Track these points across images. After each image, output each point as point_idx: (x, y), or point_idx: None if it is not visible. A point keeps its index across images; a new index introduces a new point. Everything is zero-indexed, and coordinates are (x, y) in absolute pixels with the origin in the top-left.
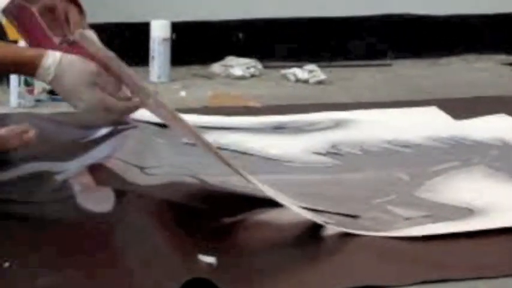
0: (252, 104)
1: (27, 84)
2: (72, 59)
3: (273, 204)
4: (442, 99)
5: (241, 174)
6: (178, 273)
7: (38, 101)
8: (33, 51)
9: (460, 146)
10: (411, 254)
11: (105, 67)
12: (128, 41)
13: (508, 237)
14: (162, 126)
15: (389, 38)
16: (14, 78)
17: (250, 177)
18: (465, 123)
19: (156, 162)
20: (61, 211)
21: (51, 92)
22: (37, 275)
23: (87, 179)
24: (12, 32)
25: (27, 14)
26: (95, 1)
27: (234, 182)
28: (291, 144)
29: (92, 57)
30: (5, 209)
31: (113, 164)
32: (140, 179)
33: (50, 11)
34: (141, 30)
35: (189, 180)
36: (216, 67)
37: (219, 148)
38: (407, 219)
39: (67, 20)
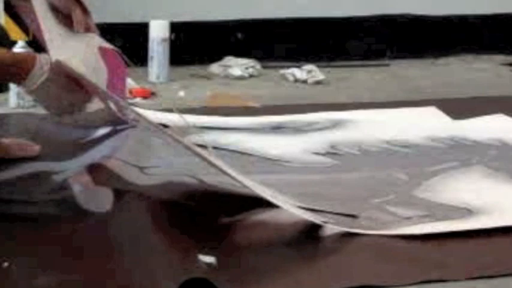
0: (250, 104)
1: None
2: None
3: (271, 204)
4: (441, 100)
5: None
6: (177, 273)
7: (36, 101)
8: (23, 56)
9: (459, 146)
10: (410, 254)
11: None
12: (127, 41)
13: (507, 237)
14: (164, 126)
15: (387, 38)
16: None
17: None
18: (464, 123)
19: (155, 162)
20: (60, 211)
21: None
22: (36, 275)
23: (86, 179)
24: (13, 32)
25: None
26: (94, 1)
27: (233, 182)
28: (290, 144)
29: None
30: (4, 209)
31: (112, 164)
32: (139, 179)
33: (52, 10)
34: (140, 31)
35: (187, 180)
36: (215, 67)
37: (218, 148)
38: (406, 219)
39: (71, 19)
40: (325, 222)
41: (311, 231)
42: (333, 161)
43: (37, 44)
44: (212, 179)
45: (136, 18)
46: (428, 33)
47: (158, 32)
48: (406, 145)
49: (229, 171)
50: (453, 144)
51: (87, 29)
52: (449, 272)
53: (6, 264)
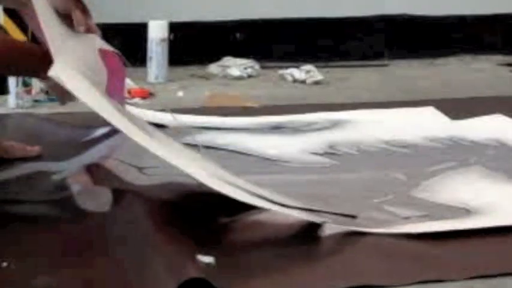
0: (249, 104)
1: (25, 85)
2: None
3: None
4: (439, 100)
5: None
6: (176, 273)
7: (35, 101)
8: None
9: (457, 146)
10: (408, 254)
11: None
12: (126, 41)
13: (505, 237)
14: (160, 126)
15: (386, 38)
16: (12, 79)
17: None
18: (462, 123)
19: (154, 163)
20: (59, 211)
21: (49, 93)
22: (35, 275)
23: (85, 178)
24: (13, 32)
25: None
26: (93, 1)
27: (232, 182)
28: (289, 144)
29: None
30: (3, 209)
31: (111, 164)
32: (138, 179)
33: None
34: (139, 31)
35: (187, 180)
36: (214, 67)
37: (216, 148)
38: (404, 218)
39: (71, 19)
40: (324, 222)
41: (310, 231)
42: (331, 161)
43: (37, 43)
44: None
45: (135, 19)
46: (426, 33)
47: (157, 32)
48: (404, 145)
49: (226, 173)
50: (451, 144)
51: (88, 30)
52: (447, 272)
53: (5, 264)
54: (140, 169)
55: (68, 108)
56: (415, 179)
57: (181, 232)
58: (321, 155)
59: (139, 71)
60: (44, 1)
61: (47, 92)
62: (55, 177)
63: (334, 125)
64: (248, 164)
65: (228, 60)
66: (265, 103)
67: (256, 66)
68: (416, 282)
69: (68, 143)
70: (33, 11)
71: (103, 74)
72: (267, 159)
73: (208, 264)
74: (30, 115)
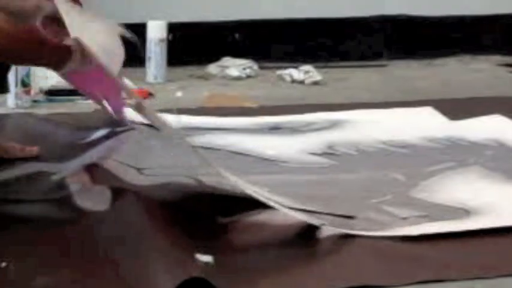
0: (248, 104)
1: (24, 85)
2: None
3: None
4: (438, 100)
5: (228, 178)
6: (175, 273)
7: (34, 101)
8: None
9: (456, 146)
10: (407, 254)
11: None
12: (125, 41)
13: (504, 237)
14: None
15: (384, 38)
16: (11, 80)
17: (240, 182)
18: (460, 123)
19: (153, 164)
20: (58, 210)
21: (48, 93)
22: (34, 275)
23: (84, 178)
24: None
25: None
26: (92, 2)
27: (230, 183)
28: (287, 144)
29: None
30: (2, 209)
31: (110, 165)
32: (137, 180)
33: (53, 20)
34: (138, 31)
35: (185, 180)
36: (213, 68)
37: (215, 149)
38: (402, 219)
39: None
40: (322, 224)
41: (308, 232)
42: (330, 161)
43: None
44: (210, 180)
45: (133, 19)
46: (425, 33)
47: (156, 32)
48: (403, 145)
49: (226, 173)
50: (450, 144)
51: None
52: (446, 272)
53: (3, 264)
54: (139, 170)
55: (66, 108)
56: (413, 179)
57: (180, 231)
58: (320, 155)
59: (138, 71)
60: None
61: (46, 93)
62: (54, 177)
63: (333, 125)
64: (246, 164)
65: (226, 61)
66: (263, 103)
67: (255, 66)
68: (415, 283)
69: (67, 144)
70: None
71: (118, 59)
72: (266, 159)
73: (207, 264)
74: (29, 115)
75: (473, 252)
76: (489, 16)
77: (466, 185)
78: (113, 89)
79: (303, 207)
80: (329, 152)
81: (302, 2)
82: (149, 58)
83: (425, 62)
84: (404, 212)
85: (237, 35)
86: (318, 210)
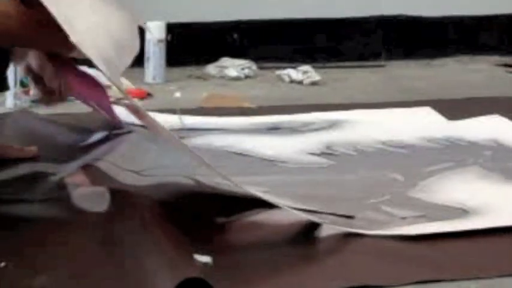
0: (246, 104)
1: (23, 85)
2: None
3: (267, 204)
4: (436, 100)
5: (229, 180)
6: (173, 273)
7: (33, 102)
8: None
9: (454, 146)
10: (405, 254)
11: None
12: None
13: (502, 238)
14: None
15: (383, 39)
16: (10, 79)
17: (236, 182)
18: (459, 124)
19: (151, 165)
20: (56, 211)
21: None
22: (33, 275)
23: (83, 178)
24: None
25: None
26: None
27: (229, 183)
28: (286, 144)
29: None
30: (0, 209)
31: (107, 167)
32: (135, 180)
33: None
34: None
35: (183, 181)
36: (211, 68)
37: (213, 149)
38: (401, 219)
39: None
40: (323, 222)
41: (307, 232)
42: (328, 161)
43: None
44: (208, 180)
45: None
46: (423, 34)
47: (154, 33)
48: (401, 146)
49: (223, 173)
50: (448, 144)
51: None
52: (444, 272)
53: (2, 264)
54: (137, 171)
55: (65, 108)
56: (412, 179)
57: (179, 232)
58: (318, 155)
59: (136, 71)
60: None
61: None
62: (53, 177)
63: (332, 125)
64: (245, 164)
65: (225, 61)
66: (262, 104)
67: (254, 66)
68: (413, 282)
69: (65, 146)
70: None
71: (131, 52)
72: (264, 159)
73: (205, 264)
74: (28, 113)
75: (471, 252)
76: (487, 16)
77: (465, 185)
78: (96, 90)
79: (302, 206)
80: (328, 152)
81: (301, 2)
82: (148, 58)
83: (424, 62)
84: (402, 212)
85: (235, 36)
86: (317, 210)
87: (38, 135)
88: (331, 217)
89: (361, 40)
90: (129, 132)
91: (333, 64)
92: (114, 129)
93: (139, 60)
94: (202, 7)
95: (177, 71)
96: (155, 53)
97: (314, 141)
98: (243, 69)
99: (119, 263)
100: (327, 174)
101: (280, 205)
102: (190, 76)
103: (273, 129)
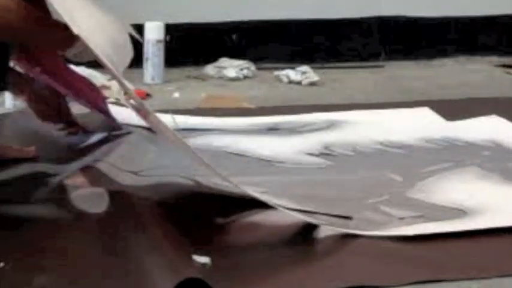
0: (245, 105)
1: None
2: None
3: (265, 205)
4: (435, 101)
5: (228, 181)
6: (172, 274)
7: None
8: None
9: (453, 147)
10: (404, 254)
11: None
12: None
13: (500, 238)
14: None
15: (382, 39)
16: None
17: (236, 183)
18: (457, 124)
19: (150, 165)
20: (56, 211)
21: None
22: (32, 275)
23: (82, 179)
24: None
25: None
26: None
27: (228, 184)
28: (284, 145)
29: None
30: (0, 210)
31: (106, 168)
32: (134, 181)
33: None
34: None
35: (182, 181)
36: (210, 69)
37: (212, 150)
38: (399, 219)
39: None
40: (320, 223)
41: (305, 232)
42: (327, 161)
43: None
44: (207, 181)
45: (131, 20)
46: (422, 34)
47: (153, 33)
48: (400, 146)
49: (223, 173)
50: (447, 145)
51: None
52: (443, 272)
53: (1, 264)
54: (137, 172)
55: None
56: (410, 179)
57: (177, 232)
58: (317, 155)
59: (135, 72)
60: None
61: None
62: (53, 179)
63: (330, 125)
64: (243, 165)
65: (224, 62)
66: (261, 104)
67: (252, 67)
68: (412, 283)
69: (65, 147)
70: None
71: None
72: (263, 160)
73: (204, 265)
74: (27, 115)
75: (470, 252)
76: (486, 17)
77: (463, 186)
78: (90, 89)
79: (300, 207)
80: (326, 153)
81: (299, 3)
82: (147, 59)
83: (422, 62)
84: (401, 212)
85: (234, 36)
86: (315, 211)
87: (38, 135)
88: (328, 218)
89: (360, 40)
90: (128, 133)
91: (331, 64)
92: (114, 130)
93: (138, 61)
94: (201, 8)
95: (176, 72)
96: (154, 54)
97: (313, 141)
98: (241, 69)
99: (119, 263)
100: (326, 174)
101: (277, 206)
102: (189, 76)
103: (272, 129)
